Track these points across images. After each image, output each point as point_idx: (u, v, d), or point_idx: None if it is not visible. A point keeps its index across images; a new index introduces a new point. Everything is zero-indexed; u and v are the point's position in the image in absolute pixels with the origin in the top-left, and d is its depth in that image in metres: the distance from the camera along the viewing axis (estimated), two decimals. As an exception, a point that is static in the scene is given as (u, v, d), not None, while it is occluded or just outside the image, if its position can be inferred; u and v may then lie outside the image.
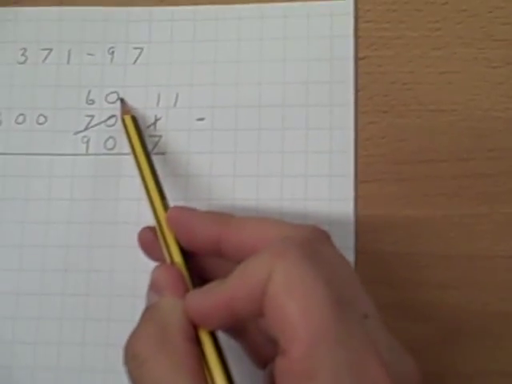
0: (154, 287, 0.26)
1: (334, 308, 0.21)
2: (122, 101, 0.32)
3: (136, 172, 0.29)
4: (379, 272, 0.31)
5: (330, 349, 0.21)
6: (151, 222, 0.27)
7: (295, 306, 0.22)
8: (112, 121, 0.33)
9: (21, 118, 0.33)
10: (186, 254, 0.26)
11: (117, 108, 0.33)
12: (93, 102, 0.33)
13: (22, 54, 0.34)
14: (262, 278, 0.22)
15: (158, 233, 0.27)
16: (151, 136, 0.33)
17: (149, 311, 0.25)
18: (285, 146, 0.32)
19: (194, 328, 0.24)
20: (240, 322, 0.25)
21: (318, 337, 0.21)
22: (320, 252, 0.23)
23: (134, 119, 0.31)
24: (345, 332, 0.21)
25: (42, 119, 0.33)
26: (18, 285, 0.32)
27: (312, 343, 0.21)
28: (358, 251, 0.31)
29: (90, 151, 0.33)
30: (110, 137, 0.33)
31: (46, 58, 0.34)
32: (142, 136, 0.30)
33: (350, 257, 0.31)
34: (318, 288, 0.22)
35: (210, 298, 0.23)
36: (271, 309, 0.22)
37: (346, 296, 0.22)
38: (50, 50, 0.34)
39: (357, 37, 0.33)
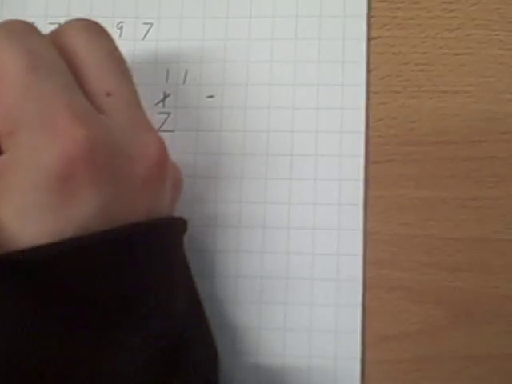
0: None
1: (29, 72, 0.23)
2: None
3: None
4: (389, 254, 0.30)
5: (23, 108, 0.23)
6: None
7: None
8: (120, 97, 0.32)
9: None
10: None
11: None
12: (101, 77, 0.33)
13: (30, 28, 0.33)
14: None
15: None
16: (160, 113, 0.32)
17: None
18: (295, 126, 0.32)
19: None
20: None
21: (13, 99, 0.23)
22: (38, 35, 0.25)
23: None
24: (38, 93, 0.23)
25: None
26: None
27: (9, 105, 0.23)
28: (368, 232, 0.31)
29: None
30: (118, 113, 0.32)
31: (53, 32, 0.33)
32: None
33: (359, 238, 0.30)
34: (12, 57, 0.23)
35: None
36: None
37: (52, 64, 0.24)
38: (59, 24, 0.33)
39: (370, 16, 0.33)
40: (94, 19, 0.33)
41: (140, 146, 0.24)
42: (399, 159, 0.31)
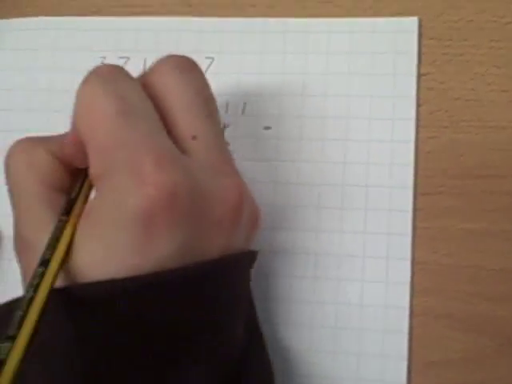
0: None
1: (119, 118, 0.25)
2: None
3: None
4: (434, 282, 0.32)
5: (112, 153, 0.25)
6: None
7: (85, 123, 0.25)
8: (182, 126, 0.35)
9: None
10: None
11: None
12: (165, 107, 0.35)
13: (102, 62, 0.36)
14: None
15: None
16: (219, 143, 0.34)
17: None
18: (347, 157, 0.33)
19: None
20: None
21: (103, 143, 0.25)
22: (129, 79, 0.27)
23: None
24: (126, 138, 0.24)
25: (117, 122, 0.35)
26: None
27: (100, 149, 0.25)
28: (415, 261, 0.32)
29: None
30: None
31: (123, 66, 0.35)
32: None
33: (407, 266, 0.32)
34: (104, 102, 0.25)
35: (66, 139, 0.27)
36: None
37: (140, 109, 0.26)
38: (128, 58, 0.36)
39: (420, 53, 0.34)
40: (160, 54, 0.35)
41: (218, 190, 0.26)
42: (447, 191, 0.33)
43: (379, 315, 0.31)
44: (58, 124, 0.36)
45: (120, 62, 0.35)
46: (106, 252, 0.24)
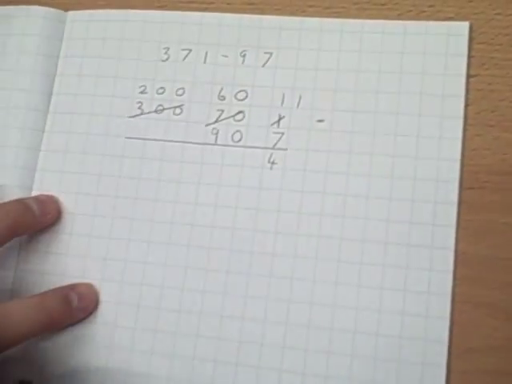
0: None
1: None
2: None
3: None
4: (476, 272, 0.33)
5: None
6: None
7: None
8: (240, 116, 0.37)
9: (160, 109, 0.37)
10: None
11: (245, 104, 0.37)
12: (224, 98, 0.37)
13: (165, 53, 0.38)
14: None
15: None
16: (275, 133, 0.36)
17: None
18: (396, 150, 0.35)
19: None
20: None
21: None
22: None
23: None
24: None
25: (178, 111, 0.37)
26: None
27: None
28: (458, 252, 0.33)
29: (219, 142, 0.37)
30: (237, 130, 0.37)
31: (185, 57, 0.38)
32: None
33: (450, 256, 0.33)
34: None
35: None
36: None
37: None
38: (190, 50, 0.38)
39: (470, 56, 0.36)
40: (221, 47, 0.37)
41: None
42: (490, 187, 0.34)
43: (422, 301, 0.33)
44: (122, 109, 0.38)
45: (182, 54, 0.38)
46: None
